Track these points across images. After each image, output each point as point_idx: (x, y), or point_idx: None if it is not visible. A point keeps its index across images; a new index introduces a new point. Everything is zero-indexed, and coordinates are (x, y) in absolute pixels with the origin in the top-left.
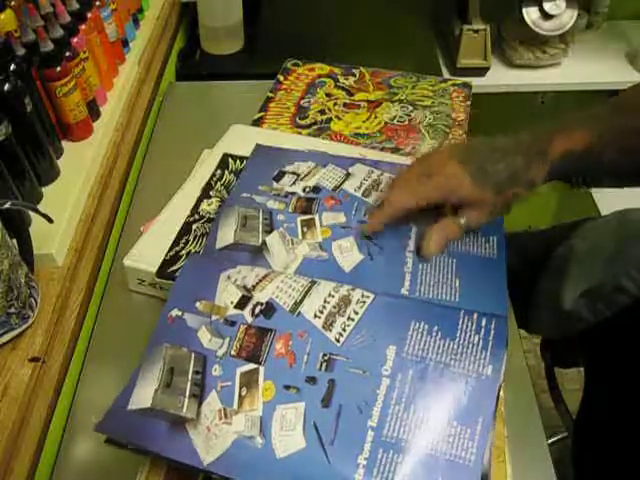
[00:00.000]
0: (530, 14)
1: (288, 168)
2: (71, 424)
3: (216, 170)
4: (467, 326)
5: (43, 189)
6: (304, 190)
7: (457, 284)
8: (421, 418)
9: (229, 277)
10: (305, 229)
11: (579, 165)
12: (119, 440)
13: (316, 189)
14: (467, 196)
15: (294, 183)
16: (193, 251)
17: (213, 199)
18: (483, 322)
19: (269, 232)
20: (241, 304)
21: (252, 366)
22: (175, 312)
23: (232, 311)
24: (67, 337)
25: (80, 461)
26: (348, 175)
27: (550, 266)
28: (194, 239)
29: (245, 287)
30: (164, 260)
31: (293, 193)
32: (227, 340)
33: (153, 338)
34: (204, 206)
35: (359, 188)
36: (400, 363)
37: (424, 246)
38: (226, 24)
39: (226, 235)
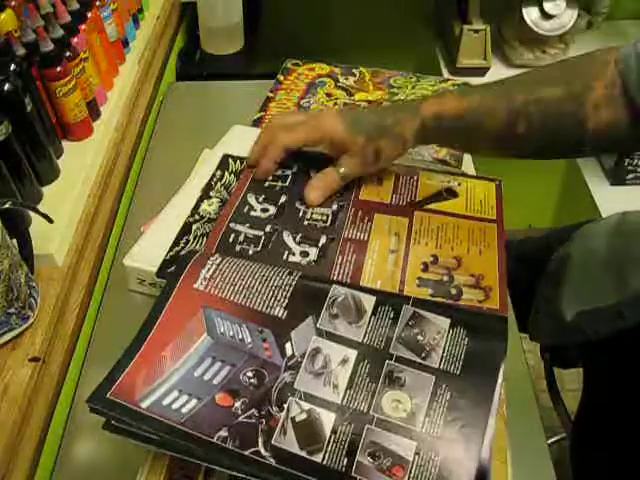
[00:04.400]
0: (530, 14)
1: None
2: (71, 424)
3: (216, 171)
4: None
5: (43, 189)
6: None
7: None
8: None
9: None
10: None
11: (452, 130)
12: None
13: None
14: (340, 139)
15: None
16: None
17: (213, 199)
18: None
19: None
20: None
21: None
22: None
23: None
24: (67, 337)
25: (80, 461)
26: None
27: (548, 271)
28: (194, 239)
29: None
30: (164, 260)
31: None
32: None
33: None
34: (204, 206)
35: None
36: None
37: (305, 194)
38: (226, 24)
39: None
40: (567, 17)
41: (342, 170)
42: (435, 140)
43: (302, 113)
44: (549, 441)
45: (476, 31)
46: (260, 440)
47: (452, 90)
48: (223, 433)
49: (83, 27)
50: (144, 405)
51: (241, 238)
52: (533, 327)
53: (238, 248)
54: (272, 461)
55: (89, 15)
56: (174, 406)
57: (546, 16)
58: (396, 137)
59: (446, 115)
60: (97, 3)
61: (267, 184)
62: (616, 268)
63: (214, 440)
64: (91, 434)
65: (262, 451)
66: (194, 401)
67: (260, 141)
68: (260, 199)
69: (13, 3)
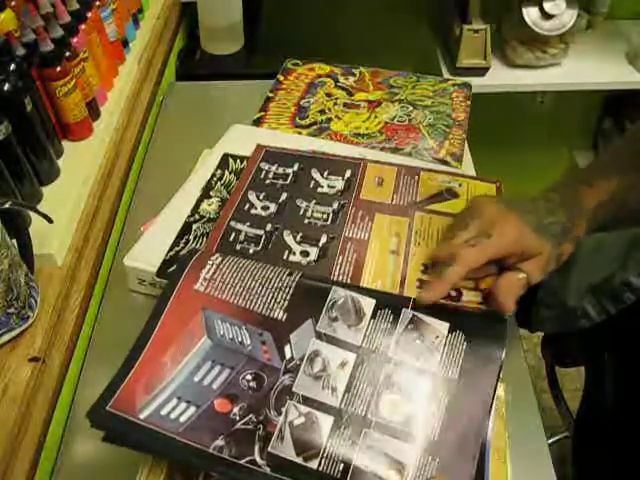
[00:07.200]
0: (530, 14)
1: None
2: (71, 424)
3: (216, 170)
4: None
5: (43, 189)
6: None
7: None
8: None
9: None
10: None
11: (608, 213)
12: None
13: None
14: (529, 247)
15: None
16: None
17: (213, 199)
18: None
19: None
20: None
21: None
22: None
23: None
24: (67, 337)
25: (80, 461)
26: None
27: None
28: (194, 239)
29: None
30: (164, 260)
31: None
32: None
33: None
34: (204, 206)
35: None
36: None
37: (502, 300)
38: (226, 24)
39: None
40: (567, 17)
41: (522, 276)
42: (596, 229)
43: (478, 215)
44: (549, 441)
45: (476, 31)
46: (256, 448)
47: (588, 170)
48: (220, 442)
49: (83, 27)
50: (143, 416)
51: (241, 237)
52: (535, 318)
53: (238, 247)
54: (267, 469)
55: (89, 15)
56: (172, 415)
57: (546, 16)
58: (574, 239)
59: (603, 204)
60: (97, 3)
61: (268, 182)
62: (626, 253)
63: (210, 450)
64: (91, 434)
65: (258, 460)
66: (192, 409)
67: (441, 252)
68: (261, 197)
69: (13, 3)
